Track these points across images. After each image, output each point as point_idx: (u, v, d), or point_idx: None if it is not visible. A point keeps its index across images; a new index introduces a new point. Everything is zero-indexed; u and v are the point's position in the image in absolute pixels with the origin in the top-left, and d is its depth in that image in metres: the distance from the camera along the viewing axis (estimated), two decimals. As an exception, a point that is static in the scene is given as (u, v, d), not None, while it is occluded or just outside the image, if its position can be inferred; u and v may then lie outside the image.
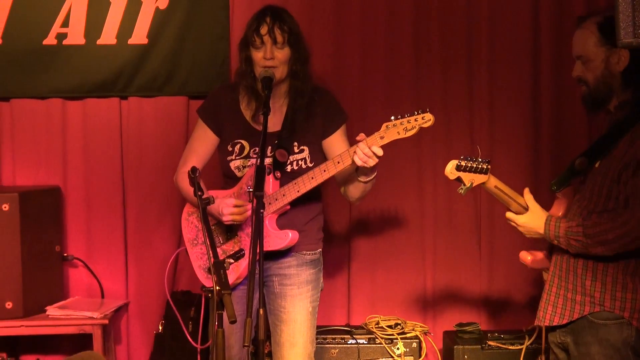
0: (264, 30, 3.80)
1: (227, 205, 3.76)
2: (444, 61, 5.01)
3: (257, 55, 3.82)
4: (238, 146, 3.91)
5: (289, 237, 3.81)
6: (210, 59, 4.94)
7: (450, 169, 3.44)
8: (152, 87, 4.95)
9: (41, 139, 5.00)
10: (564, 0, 4.97)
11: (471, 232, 5.06)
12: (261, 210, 3.29)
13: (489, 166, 3.40)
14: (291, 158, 3.87)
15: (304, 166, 3.88)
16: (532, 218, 3.41)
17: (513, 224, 3.46)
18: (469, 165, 3.40)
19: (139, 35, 4.89)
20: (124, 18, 4.87)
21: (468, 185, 3.41)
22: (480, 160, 3.40)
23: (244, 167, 3.90)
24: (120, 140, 5.02)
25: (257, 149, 3.80)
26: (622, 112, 3.33)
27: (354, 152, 3.62)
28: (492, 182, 3.44)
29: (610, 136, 3.33)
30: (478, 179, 3.41)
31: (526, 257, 3.60)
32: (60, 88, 4.95)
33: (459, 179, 3.43)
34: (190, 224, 4.02)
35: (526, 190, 3.46)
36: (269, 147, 3.85)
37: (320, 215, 4.04)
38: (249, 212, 3.71)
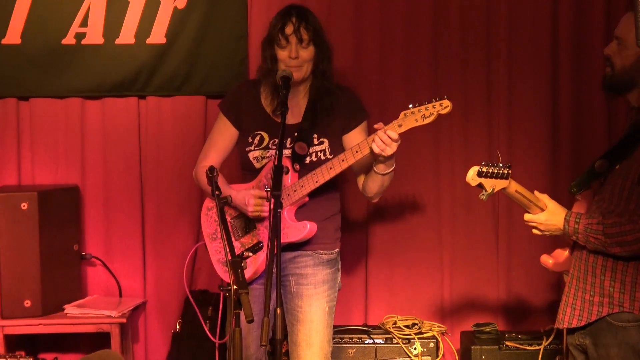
0: (289, 29, 3.83)
1: (252, 196, 3.79)
2: (463, 59, 4.99)
3: (282, 54, 3.84)
4: (258, 137, 3.93)
5: (307, 228, 3.81)
6: (229, 58, 4.95)
7: (472, 176, 3.41)
8: (171, 86, 4.96)
9: (60, 138, 5.02)
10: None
11: (489, 232, 5.04)
12: (279, 210, 3.29)
13: (510, 171, 3.38)
14: (310, 150, 3.88)
15: (323, 158, 3.88)
16: (551, 215, 3.38)
17: (533, 224, 3.43)
18: (490, 171, 3.38)
19: (158, 35, 4.90)
20: (143, 18, 4.89)
21: (489, 191, 3.39)
22: (501, 165, 3.38)
23: (262, 157, 3.91)
24: (139, 139, 5.04)
25: (277, 140, 3.81)
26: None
27: (372, 140, 3.63)
28: (513, 186, 3.41)
29: (631, 138, 3.30)
30: (499, 184, 3.39)
31: (547, 260, 3.58)
32: (79, 87, 4.96)
33: (480, 185, 3.42)
34: (210, 219, 4.04)
35: (536, 192, 3.44)
36: (289, 139, 3.87)
37: (338, 215, 4.04)
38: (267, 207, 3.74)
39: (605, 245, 3.24)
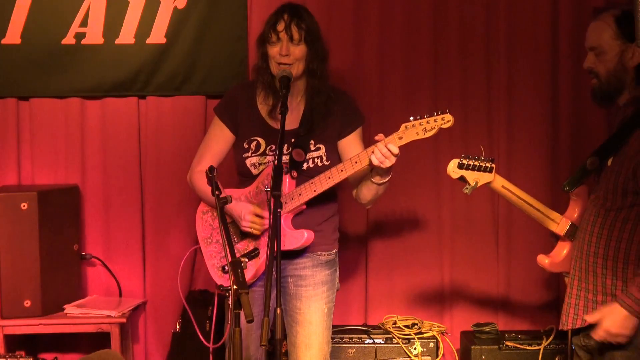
0: (280, 26, 3.81)
1: (249, 212, 3.77)
2: (463, 59, 4.99)
3: (273, 51, 3.83)
4: (254, 143, 3.92)
5: (305, 236, 3.80)
6: (228, 58, 4.95)
7: (452, 168, 3.42)
8: (170, 86, 4.96)
9: (60, 138, 5.02)
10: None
11: (489, 231, 5.04)
12: (279, 210, 3.29)
13: (494, 165, 3.38)
14: (307, 156, 3.87)
15: (320, 164, 3.87)
16: (611, 314, 3.21)
17: (603, 334, 3.27)
18: (472, 163, 3.38)
19: (157, 35, 4.90)
20: (142, 18, 4.89)
21: (473, 184, 3.39)
22: (483, 158, 3.38)
23: (259, 164, 3.90)
24: (139, 139, 5.04)
25: (274, 146, 3.80)
26: (631, 108, 3.32)
27: (372, 151, 3.62)
28: (499, 182, 3.41)
29: (620, 133, 3.32)
30: (483, 178, 3.39)
31: (544, 260, 3.58)
32: (79, 87, 4.96)
33: (462, 178, 3.41)
34: (205, 223, 4.03)
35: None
36: (285, 145, 3.85)
37: (335, 215, 4.03)
38: (267, 226, 3.71)
39: None
